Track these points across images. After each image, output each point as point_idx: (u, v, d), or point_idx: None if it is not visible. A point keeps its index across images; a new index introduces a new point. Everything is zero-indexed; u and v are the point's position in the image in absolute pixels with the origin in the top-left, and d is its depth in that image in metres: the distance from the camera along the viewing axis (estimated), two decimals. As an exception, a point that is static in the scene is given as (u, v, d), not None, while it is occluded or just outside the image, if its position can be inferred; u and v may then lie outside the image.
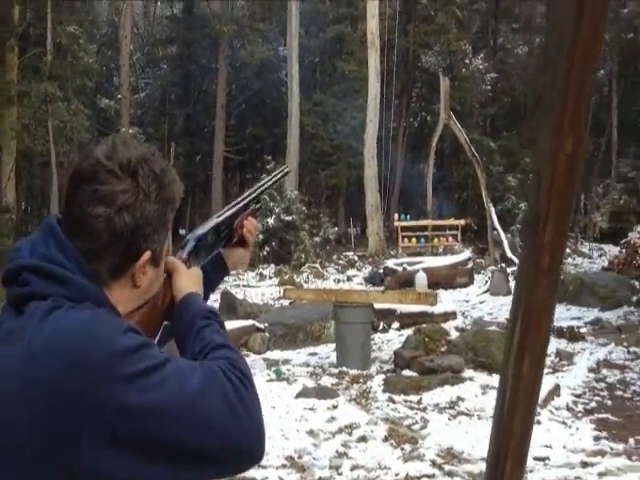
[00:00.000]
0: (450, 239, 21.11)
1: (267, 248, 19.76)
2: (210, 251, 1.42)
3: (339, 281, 17.25)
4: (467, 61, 26.87)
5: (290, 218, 20.03)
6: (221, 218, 1.44)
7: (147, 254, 1.11)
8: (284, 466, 5.19)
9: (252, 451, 1.05)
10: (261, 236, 19.93)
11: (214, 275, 1.47)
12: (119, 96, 24.42)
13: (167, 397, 0.98)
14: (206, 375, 1.03)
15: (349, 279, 17.56)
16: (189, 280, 1.26)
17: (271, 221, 19.92)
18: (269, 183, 1.61)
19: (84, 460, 0.95)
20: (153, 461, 0.98)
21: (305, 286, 15.59)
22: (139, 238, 1.09)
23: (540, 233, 1.35)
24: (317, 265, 19.17)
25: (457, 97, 25.05)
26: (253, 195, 1.53)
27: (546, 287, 1.38)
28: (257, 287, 16.16)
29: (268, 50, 27.24)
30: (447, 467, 5.12)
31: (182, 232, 25.89)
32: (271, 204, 20.31)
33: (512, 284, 12.24)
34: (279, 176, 1.66)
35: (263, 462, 5.15)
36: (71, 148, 19.00)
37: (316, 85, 28.39)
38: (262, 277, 18.18)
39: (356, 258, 20.40)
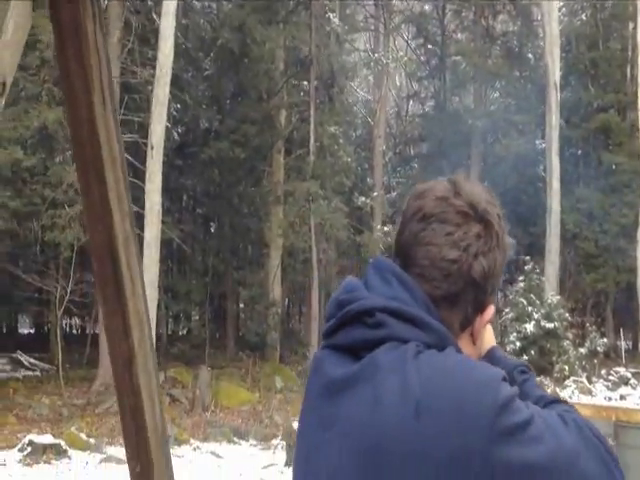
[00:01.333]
0: None
1: (525, 357, 18.26)
2: None
3: (610, 399, 15.51)
4: None
5: (551, 325, 18.57)
6: None
7: (492, 308, 1.08)
8: None
9: None
10: (518, 343, 18.61)
11: None
12: (375, 194, 25.11)
13: (548, 452, 0.91)
14: (576, 429, 0.96)
15: (622, 398, 15.79)
16: (491, 334, 1.23)
17: (530, 327, 18.61)
18: None
19: None
20: None
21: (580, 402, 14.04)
22: (488, 288, 1.05)
23: None
24: (584, 379, 17.56)
25: None
26: None
27: None
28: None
29: (524, 143, 26.26)
30: None
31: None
32: (529, 309, 18.97)
33: None
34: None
35: None
36: (329, 245, 19.70)
37: (579, 180, 26.62)
38: (519, 389, 16.85)
39: (629, 375, 18.33)
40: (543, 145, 25.42)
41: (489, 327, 1.21)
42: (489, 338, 1.20)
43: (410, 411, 0.91)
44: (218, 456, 9.28)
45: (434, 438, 0.89)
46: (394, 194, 31.43)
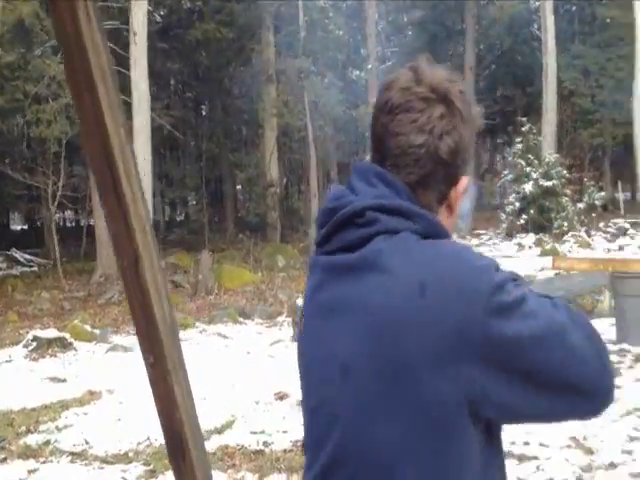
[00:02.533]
0: None
1: (524, 216, 18.69)
2: None
3: (609, 251, 15.76)
4: None
5: (550, 183, 18.66)
6: None
7: (465, 180, 1.12)
8: (569, 447, 4.76)
9: (611, 392, 1.03)
10: (517, 204, 18.90)
11: None
12: (369, 66, 24.68)
13: (542, 327, 0.98)
14: (566, 311, 1.03)
15: (621, 248, 15.99)
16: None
17: (529, 187, 18.80)
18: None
19: (476, 383, 0.97)
20: (530, 391, 0.99)
21: (577, 256, 14.38)
22: (459, 162, 1.09)
23: None
24: (582, 233, 17.79)
25: None
26: None
27: None
28: (516, 258, 15.30)
29: (519, 3, 25.48)
30: None
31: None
32: (528, 169, 19.14)
33: None
34: None
35: (546, 441, 4.72)
36: (325, 122, 19.62)
37: (574, 36, 26.03)
38: (521, 247, 17.24)
39: (628, 225, 18.54)
40: (537, 3, 24.70)
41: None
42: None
43: (415, 289, 0.98)
44: (225, 337, 9.21)
45: (438, 312, 0.97)
46: (389, 64, 30.88)
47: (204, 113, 23.45)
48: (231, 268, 14.10)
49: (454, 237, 1.14)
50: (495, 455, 1.08)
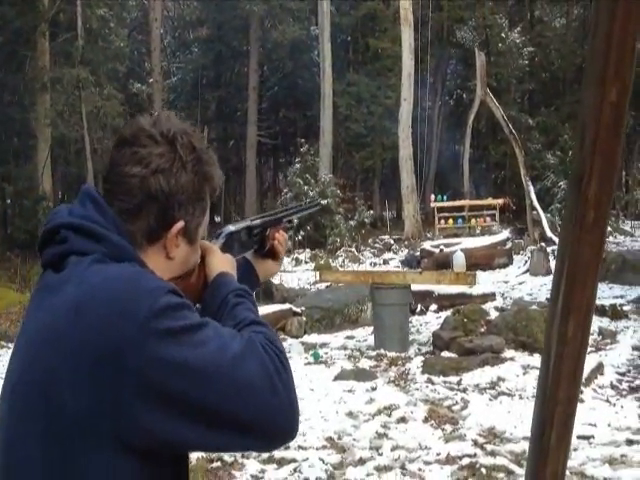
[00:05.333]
0: (488, 219, 20.70)
1: (302, 233, 19.62)
2: (240, 252, 1.44)
3: (375, 265, 17.03)
4: (503, 35, 26.09)
5: (325, 202, 19.82)
6: (256, 222, 1.47)
7: (180, 223, 1.13)
8: (324, 447, 5.17)
9: (285, 428, 1.03)
10: (296, 220, 19.75)
11: (246, 279, 1.41)
12: (151, 80, 24.42)
13: (207, 357, 0.98)
14: (246, 343, 1.03)
15: (385, 262, 17.31)
16: (222, 261, 1.28)
17: (306, 205, 19.74)
18: (304, 212, 1.74)
19: (123, 410, 0.96)
20: (184, 420, 0.97)
21: (341, 270, 15.43)
22: (173, 204, 1.11)
23: (584, 188, 1.30)
24: (353, 249, 19.00)
25: (494, 73, 24.45)
26: (288, 213, 1.61)
27: (591, 244, 1.34)
28: (293, 272, 16.06)
29: (300, 29, 26.88)
30: (489, 447, 5.02)
31: (217, 219, 25.90)
32: (305, 188, 20.20)
33: (552, 264, 11.92)
34: (312, 209, 1.78)
35: (303, 443, 5.15)
36: (105, 134, 19.03)
37: (349, 65, 28.01)
38: (298, 262, 18.07)
39: (392, 241, 20.06)
40: (317, 32, 26.25)
41: (225, 256, 1.31)
42: (219, 264, 1.26)
43: (72, 308, 1.00)
44: None
45: (88, 330, 0.97)
46: (174, 79, 30.82)
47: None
48: (-6, 289, 13.13)
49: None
50: None
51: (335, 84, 24.28)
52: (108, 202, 1.11)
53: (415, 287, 8.87)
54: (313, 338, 9.12)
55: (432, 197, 22.07)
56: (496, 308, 9.76)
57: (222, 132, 30.70)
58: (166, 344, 0.97)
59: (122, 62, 20.94)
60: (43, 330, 1.03)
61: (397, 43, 23.10)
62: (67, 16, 19.78)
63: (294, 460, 4.87)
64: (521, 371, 6.89)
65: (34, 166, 18.51)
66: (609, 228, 17.20)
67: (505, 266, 14.88)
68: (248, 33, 28.50)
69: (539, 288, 12.17)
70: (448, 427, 5.48)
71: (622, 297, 10.80)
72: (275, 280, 12.94)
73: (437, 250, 14.46)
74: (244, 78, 29.75)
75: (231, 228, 1.41)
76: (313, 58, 28.45)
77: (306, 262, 17.90)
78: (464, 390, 6.44)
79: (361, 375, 6.87)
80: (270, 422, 1.01)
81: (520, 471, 4.48)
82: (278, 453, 4.90)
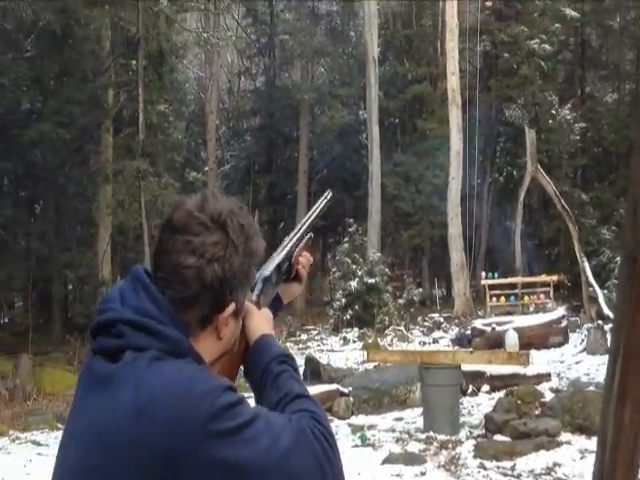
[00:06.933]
0: (542, 297, 20.32)
1: (350, 312, 19.58)
2: (275, 290, 1.43)
3: (425, 343, 16.83)
4: (553, 112, 26.07)
5: (373, 280, 19.81)
6: (281, 255, 1.45)
7: (232, 306, 1.14)
8: None
9: None
10: (344, 300, 19.85)
11: (270, 305, 1.46)
12: (206, 169, 25.40)
13: (258, 454, 1.00)
14: (297, 434, 1.05)
15: (435, 341, 17.12)
16: (261, 321, 1.28)
17: (354, 284, 19.82)
18: (316, 212, 1.64)
19: None
20: None
21: (389, 349, 15.31)
22: (226, 290, 1.12)
23: (638, 268, 1.19)
24: (401, 328, 18.76)
25: (544, 149, 24.35)
26: (304, 226, 1.57)
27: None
28: (341, 351, 16.01)
29: (348, 114, 27.77)
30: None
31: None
32: (354, 267, 20.29)
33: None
34: (324, 203, 1.68)
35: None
36: (161, 221, 19.66)
37: (397, 146, 28.56)
38: (346, 341, 17.99)
39: (442, 320, 19.86)
40: (365, 115, 27.05)
41: (262, 314, 1.31)
42: (258, 326, 1.27)
43: (132, 413, 1.00)
44: (39, 444, 8.74)
45: (148, 437, 0.99)
46: (228, 166, 32.04)
47: (37, 212, 22.80)
48: (53, 371, 13.49)
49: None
50: None
51: (383, 165, 24.75)
52: (161, 289, 1.11)
53: (466, 367, 8.77)
54: (360, 420, 9.02)
55: (483, 274, 21.89)
56: (551, 389, 9.54)
57: (272, 214, 31.53)
58: (219, 445, 0.99)
59: (180, 153, 21.89)
60: (100, 428, 1.04)
61: (445, 123, 23.45)
62: (129, 112, 20.99)
63: None
64: (578, 456, 6.68)
65: (94, 253, 19.27)
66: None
67: (560, 345, 14.51)
68: (298, 120, 29.66)
69: (597, 368, 11.80)
70: (501, 514, 5.36)
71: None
72: (323, 360, 12.97)
73: (489, 329, 14.26)
74: (294, 162, 30.66)
75: (265, 273, 1.37)
76: (361, 140, 29.20)
77: (354, 341, 17.78)
78: (518, 476, 6.29)
79: (410, 459, 6.78)
80: None
81: None
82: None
